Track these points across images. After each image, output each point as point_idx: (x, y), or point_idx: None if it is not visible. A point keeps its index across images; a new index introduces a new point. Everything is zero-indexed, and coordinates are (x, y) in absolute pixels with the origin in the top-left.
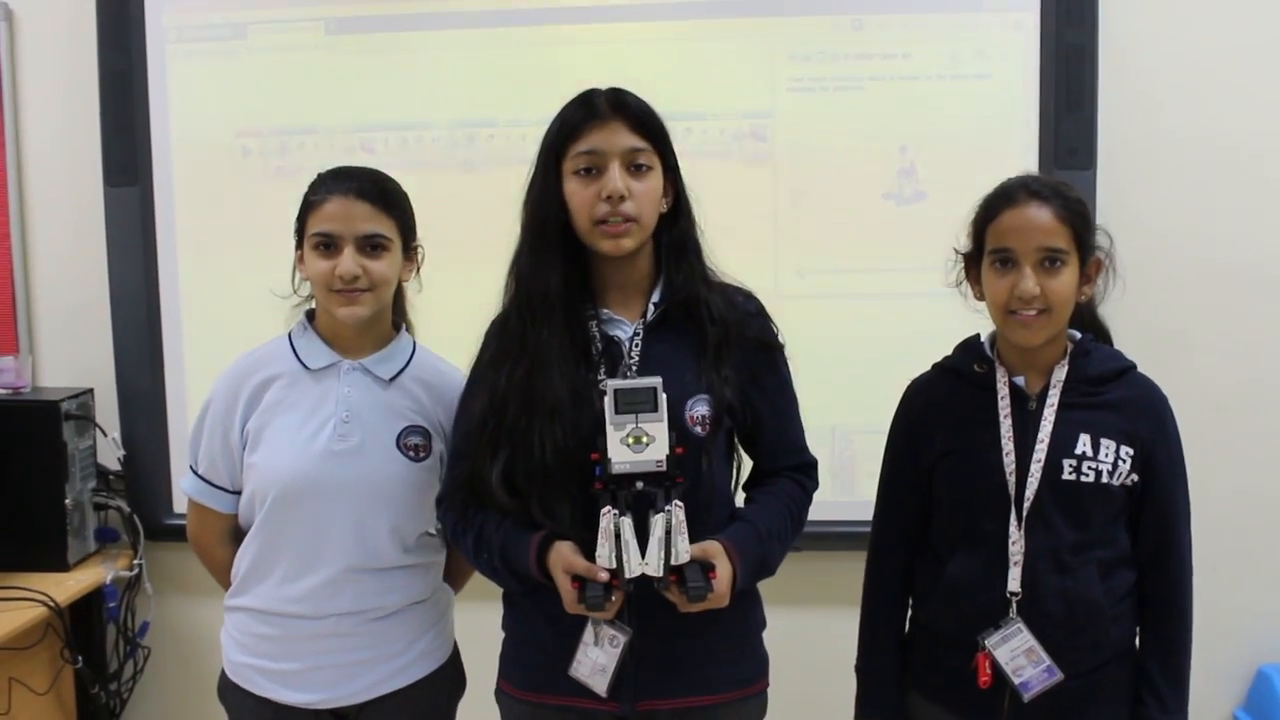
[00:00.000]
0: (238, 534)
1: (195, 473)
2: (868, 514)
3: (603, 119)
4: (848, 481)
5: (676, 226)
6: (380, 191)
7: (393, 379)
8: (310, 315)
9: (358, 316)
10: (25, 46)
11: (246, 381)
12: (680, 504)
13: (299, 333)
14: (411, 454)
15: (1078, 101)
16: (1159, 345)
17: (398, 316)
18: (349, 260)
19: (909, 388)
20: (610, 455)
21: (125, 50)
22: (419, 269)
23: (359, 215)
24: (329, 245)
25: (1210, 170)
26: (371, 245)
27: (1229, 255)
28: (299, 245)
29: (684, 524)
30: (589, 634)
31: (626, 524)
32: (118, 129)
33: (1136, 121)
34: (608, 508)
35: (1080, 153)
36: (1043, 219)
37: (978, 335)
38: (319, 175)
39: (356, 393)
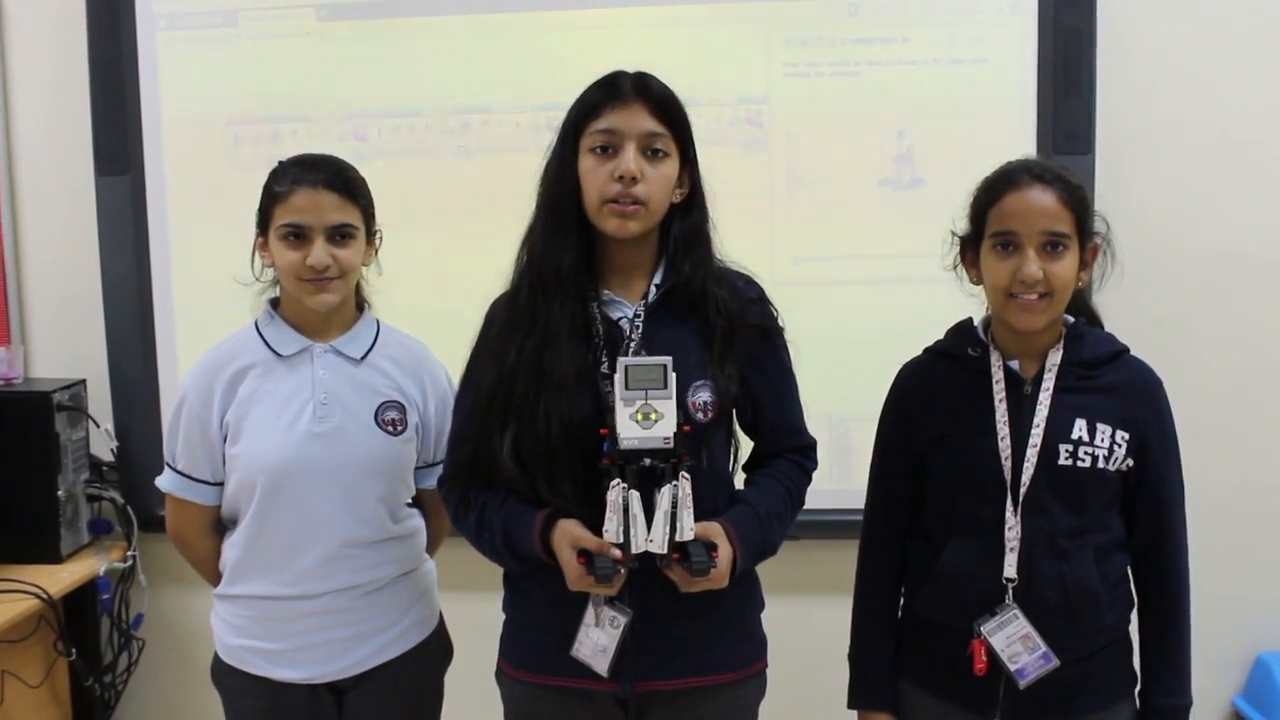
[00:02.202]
0: (219, 525)
1: (174, 469)
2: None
3: (624, 100)
4: (845, 469)
5: (690, 218)
6: (345, 181)
7: (363, 357)
8: (274, 302)
9: (328, 304)
10: (14, 34)
11: (220, 374)
12: (687, 477)
13: (265, 321)
14: (390, 429)
15: (1076, 86)
16: (1157, 332)
17: (359, 297)
18: (321, 251)
19: (901, 372)
20: (619, 430)
21: (115, 38)
22: (377, 252)
23: (327, 206)
24: (299, 236)
25: (1210, 155)
26: (340, 235)
27: (1229, 241)
28: (262, 232)
29: (690, 498)
30: (590, 615)
31: (635, 498)
32: (108, 117)
33: (1135, 106)
34: (617, 481)
35: (1079, 138)
36: (1046, 202)
37: (970, 319)
38: (280, 164)
39: (331, 375)
